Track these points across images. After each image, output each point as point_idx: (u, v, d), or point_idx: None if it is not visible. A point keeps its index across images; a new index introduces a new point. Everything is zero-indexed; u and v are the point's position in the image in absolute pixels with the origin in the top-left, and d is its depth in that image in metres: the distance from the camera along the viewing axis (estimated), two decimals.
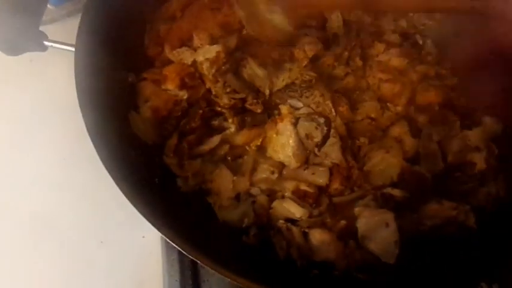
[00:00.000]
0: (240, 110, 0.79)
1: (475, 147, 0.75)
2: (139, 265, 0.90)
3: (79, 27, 0.70)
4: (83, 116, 0.64)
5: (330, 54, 0.82)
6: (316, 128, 0.74)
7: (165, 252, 0.88)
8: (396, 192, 0.74)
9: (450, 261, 0.69)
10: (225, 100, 0.78)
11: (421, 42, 0.88)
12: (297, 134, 0.74)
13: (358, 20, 0.89)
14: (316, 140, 0.74)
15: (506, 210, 0.73)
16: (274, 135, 0.74)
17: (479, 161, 0.74)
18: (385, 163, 0.74)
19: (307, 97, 0.77)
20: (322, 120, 0.74)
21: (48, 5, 1.10)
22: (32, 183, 0.97)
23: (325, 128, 0.74)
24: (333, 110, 0.75)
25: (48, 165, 0.99)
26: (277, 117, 0.75)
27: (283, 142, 0.73)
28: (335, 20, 0.87)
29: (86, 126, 0.64)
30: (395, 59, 0.84)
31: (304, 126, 0.74)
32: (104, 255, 0.91)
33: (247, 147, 0.77)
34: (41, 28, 0.77)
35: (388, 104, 0.80)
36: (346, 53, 0.84)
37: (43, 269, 0.90)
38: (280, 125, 0.74)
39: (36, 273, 0.90)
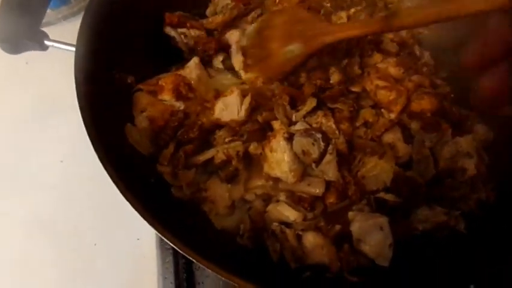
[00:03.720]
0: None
1: (466, 153, 0.77)
2: (134, 267, 0.91)
3: (80, 27, 0.71)
4: (82, 115, 0.65)
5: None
6: (313, 144, 0.72)
7: (159, 254, 0.89)
8: (389, 196, 0.75)
9: (441, 265, 0.70)
10: None
11: (418, 53, 0.90)
12: (292, 149, 0.73)
13: None
14: (313, 156, 0.72)
15: (495, 216, 0.75)
16: (269, 153, 0.73)
17: (470, 166, 0.75)
18: (378, 168, 0.75)
19: (310, 116, 0.77)
20: (319, 135, 0.72)
21: None
22: (28, 186, 0.98)
23: (322, 144, 0.72)
24: (336, 131, 0.75)
25: (44, 168, 1.00)
26: (270, 134, 0.75)
27: (279, 158, 0.72)
28: None
29: (85, 125, 0.64)
30: (391, 68, 0.85)
31: (301, 142, 0.73)
32: (98, 257, 0.91)
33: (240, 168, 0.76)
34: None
35: (382, 110, 0.81)
36: (346, 60, 0.86)
37: (37, 270, 0.90)
38: (274, 142, 0.73)
39: (31, 274, 0.90)
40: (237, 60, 0.86)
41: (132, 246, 0.93)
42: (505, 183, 0.77)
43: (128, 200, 0.59)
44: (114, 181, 0.60)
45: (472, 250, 0.72)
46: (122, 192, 0.60)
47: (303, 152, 0.73)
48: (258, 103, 0.81)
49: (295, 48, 0.80)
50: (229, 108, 0.76)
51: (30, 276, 0.89)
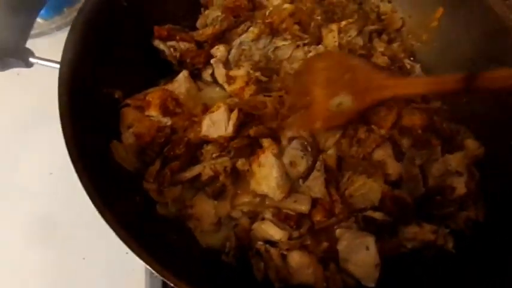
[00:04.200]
0: None
1: (456, 171, 0.76)
2: (122, 282, 0.90)
3: (65, 44, 0.71)
4: (64, 134, 0.64)
5: None
6: (302, 158, 0.73)
7: (147, 269, 0.87)
8: (377, 215, 0.74)
9: (428, 285, 0.69)
10: None
11: (409, 66, 0.89)
12: (280, 165, 0.73)
13: (351, 41, 0.91)
14: (299, 168, 0.73)
15: (484, 235, 0.74)
16: (257, 168, 0.73)
17: (459, 185, 0.75)
18: (367, 187, 0.74)
19: None
20: (309, 148, 0.72)
21: (38, 19, 1.12)
22: (17, 197, 0.97)
23: (311, 159, 0.72)
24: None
25: (34, 180, 0.99)
26: (259, 150, 0.75)
27: (266, 173, 0.72)
28: (331, 40, 0.89)
29: (66, 144, 0.64)
30: None
31: (290, 153, 0.74)
32: (86, 271, 0.90)
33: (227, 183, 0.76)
34: (30, 41, 0.77)
35: (373, 126, 0.80)
36: None
37: (25, 282, 0.89)
38: (262, 157, 0.73)
39: (18, 287, 0.89)
40: (219, 73, 0.86)
41: (121, 259, 0.91)
42: (495, 198, 0.76)
43: (114, 230, 0.59)
44: (96, 206, 0.60)
45: (460, 269, 0.71)
46: (106, 220, 0.60)
47: (291, 163, 0.73)
48: (248, 116, 0.80)
49: (344, 101, 0.73)
50: (217, 124, 0.76)
51: None
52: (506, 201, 0.74)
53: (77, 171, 0.62)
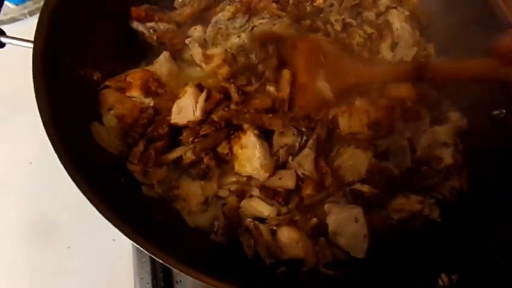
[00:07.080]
0: None
1: (443, 143, 0.77)
2: (110, 269, 0.88)
3: (38, 22, 0.68)
4: (42, 117, 0.62)
5: None
6: (294, 134, 0.74)
7: (136, 254, 0.86)
8: (365, 188, 0.74)
9: (416, 255, 0.70)
10: None
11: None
12: (262, 144, 0.72)
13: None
14: (293, 149, 0.74)
15: (468, 204, 0.75)
16: (240, 150, 0.73)
17: (446, 156, 0.76)
18: (354, 158, 0.74)
19: None
20: (304, 129, 0.74)
21: (9, 4, 1.08)
22: None
23: (305, 138, 0.73)
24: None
25: (12, 170, 0.96)
26: (240, 132, 0.74)
27: (249, 155, 0.72)
28: None
29: (45, 128, 0.61)
30: None
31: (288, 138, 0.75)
32: (72, 260, 0.88)
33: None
34: (1, 27, 0.74)
35: None
36: None
37: (8, 277, 0.87)
38: (244, 138, 0.73)
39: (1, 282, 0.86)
40: (196, 53, 0.84)
41: (108, 247, 0.90)
42: (477, 168, 0.78)
43: (95, 206, 0.57)
44: (79, 187, 0.58)
45: (445, 238, 0.72)
46: (88, 198, 0.58)
47: (287, 146, 0.73)
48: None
49: (324, 88, 0.76)
50: (184, 110, 0.74)
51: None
52: (486, 170, 0.76)
53: (59, 155, 0.60)
